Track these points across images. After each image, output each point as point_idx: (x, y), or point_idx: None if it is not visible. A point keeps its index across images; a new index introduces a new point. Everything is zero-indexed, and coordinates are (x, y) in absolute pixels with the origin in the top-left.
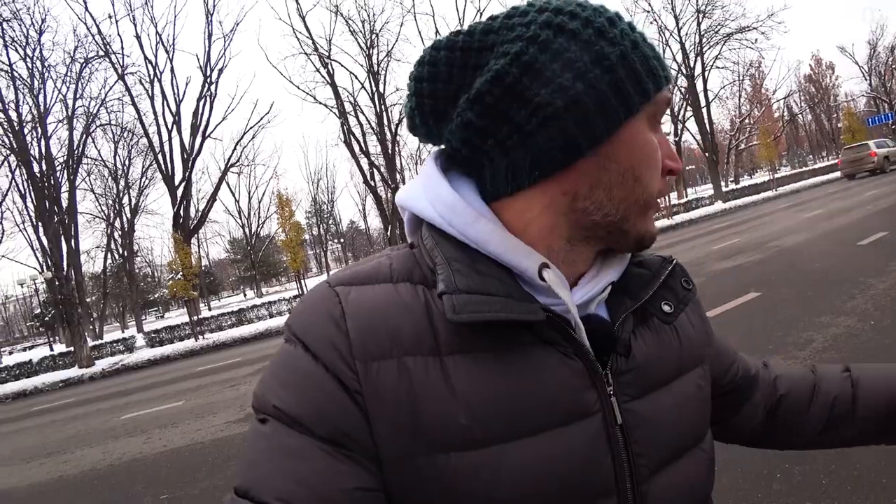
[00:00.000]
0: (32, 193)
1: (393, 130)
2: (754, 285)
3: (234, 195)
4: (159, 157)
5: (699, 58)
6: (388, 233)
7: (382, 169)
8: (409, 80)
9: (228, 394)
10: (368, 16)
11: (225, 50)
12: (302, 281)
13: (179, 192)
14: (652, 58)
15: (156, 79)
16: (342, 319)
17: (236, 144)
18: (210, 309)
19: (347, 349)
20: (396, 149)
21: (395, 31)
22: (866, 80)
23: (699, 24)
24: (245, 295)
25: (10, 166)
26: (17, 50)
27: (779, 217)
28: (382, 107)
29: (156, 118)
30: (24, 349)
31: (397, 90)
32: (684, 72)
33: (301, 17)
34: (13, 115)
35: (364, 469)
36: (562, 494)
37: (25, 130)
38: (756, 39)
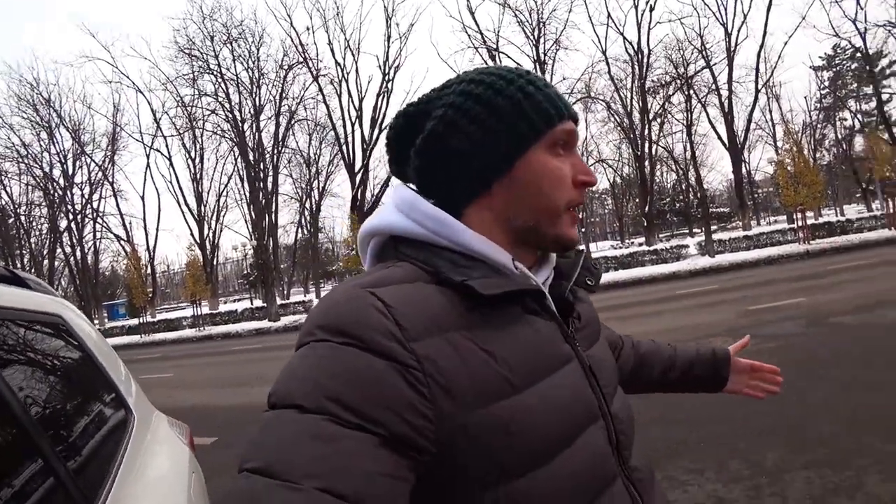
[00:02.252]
0: (247, 177)
1: None
2: None
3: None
4: (343, 147)
5: None
6: None
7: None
8: (385, 136)
9: None
10: (536, 4)
11: (401, 49)
12: None
13: (358, 178)
14: (543, 101)
15: (343, 80)
16: (386, 310)
17: None
18: None
19: (401, 334)
20: None
21: (563, 17)
22: None
23: None
24: None
25: (233, 155)
26: (242, 63)
27: None
28: None
29: (342, 113)
30: (234, 301)
31: (564, 79)
32: None
33: (471, 12)
34: (237, 114)
35: (401, 458)
36: (572, 420)
37: (245, 127)
38: None
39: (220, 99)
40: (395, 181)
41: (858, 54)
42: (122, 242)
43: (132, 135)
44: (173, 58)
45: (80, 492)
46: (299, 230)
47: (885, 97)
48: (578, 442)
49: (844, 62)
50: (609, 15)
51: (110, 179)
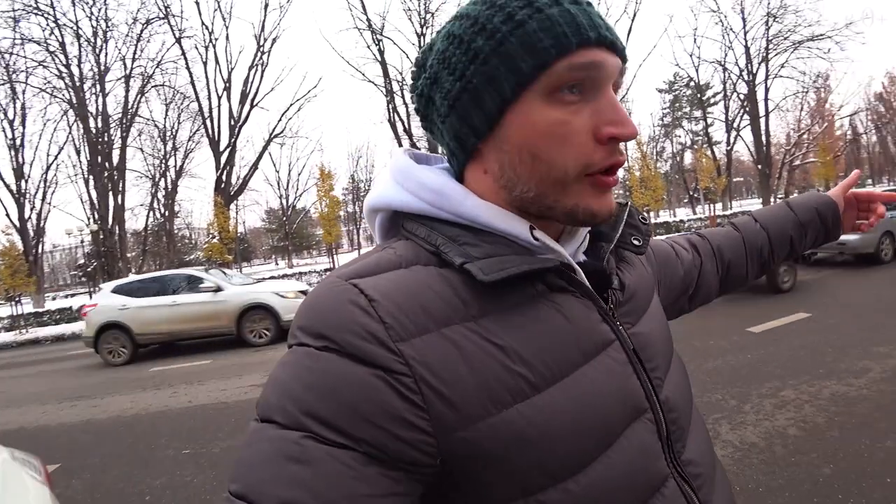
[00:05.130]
0: (87, 148)
1: None
2: (804, 306)
3: (275, 166)
4: (207, 121)
5: (764, 64)
6: None
7: (425, 151)
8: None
9: (255, 357)
10: None
11: (280, 20)
12: (334, 255)
13: (223, 157)
14: (538, 30)
15: (211, 45)
16: (370, 307)
17: (282, 115)
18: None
19: (385, 334)
20: None
21: (452, 12)
22: None
23: (768, 27)
24: (276, 263)
25: (67, 121)
26: (83, 8)
27: None
28: None
29: (207, 83)
30: (66, 296)
31: None
32: (745, 78)
33: None
34: (75, 70)
35: (394, 473)
36: (611, 418)
37: (85, 87)
38: (829, 49)
39: (53, 49)
40: (394, 147)
41: (692, 83)
42: None
43: None
44: None
45: None
46: (151, 213)
47: (709, 121)
48: (620, 442)
49: (682, 88)
50: None
51: None
